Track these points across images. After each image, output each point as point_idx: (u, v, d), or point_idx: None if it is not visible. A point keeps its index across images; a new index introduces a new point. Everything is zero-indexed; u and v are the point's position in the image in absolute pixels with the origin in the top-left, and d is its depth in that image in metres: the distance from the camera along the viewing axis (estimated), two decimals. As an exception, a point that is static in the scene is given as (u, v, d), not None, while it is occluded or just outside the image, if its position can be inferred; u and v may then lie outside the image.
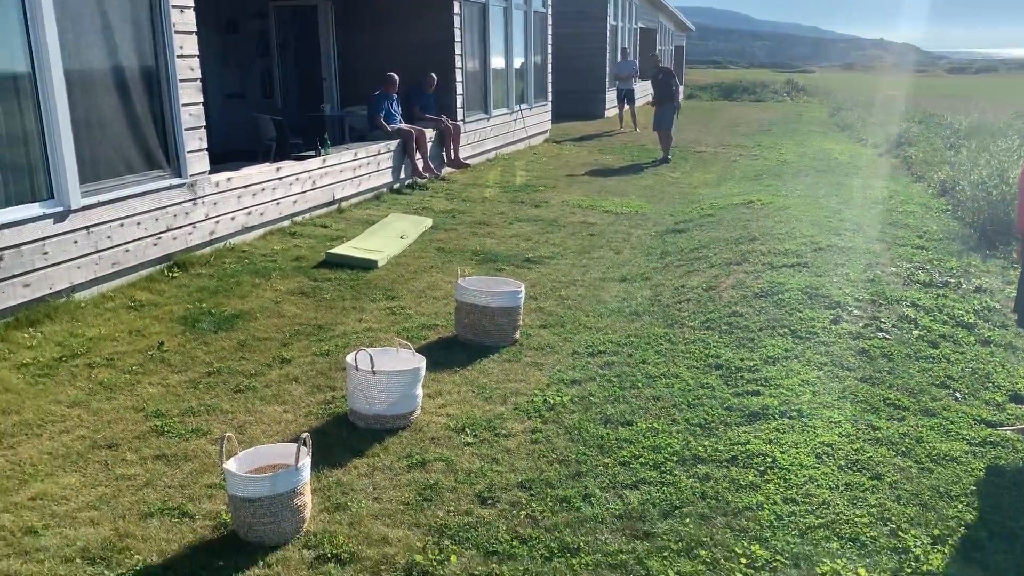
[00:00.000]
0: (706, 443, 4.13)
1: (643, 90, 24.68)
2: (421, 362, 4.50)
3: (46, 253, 5.65)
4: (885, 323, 5.59)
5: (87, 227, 5.97)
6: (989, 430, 4.26)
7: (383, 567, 3.16)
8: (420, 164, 11.64)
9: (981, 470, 3.88)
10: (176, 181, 6.86)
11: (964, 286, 6.42)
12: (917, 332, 5.47)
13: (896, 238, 8.00)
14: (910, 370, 4.96)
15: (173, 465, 3.90)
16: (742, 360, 5.13)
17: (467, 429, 4.34)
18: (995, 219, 8.06)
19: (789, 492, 3.67)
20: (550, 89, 18.68)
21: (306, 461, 3.41)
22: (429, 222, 9.13)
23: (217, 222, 7.42)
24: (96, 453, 3.99)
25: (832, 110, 29.17)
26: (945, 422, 4.35)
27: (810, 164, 14.24)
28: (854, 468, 3.89)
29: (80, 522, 3.41)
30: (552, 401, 4.67)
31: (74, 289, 5.93)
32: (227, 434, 3.41)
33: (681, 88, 15.20)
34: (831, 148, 16.97)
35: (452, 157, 12.76)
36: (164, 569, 3.10)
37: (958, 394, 4.70)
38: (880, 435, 4.20)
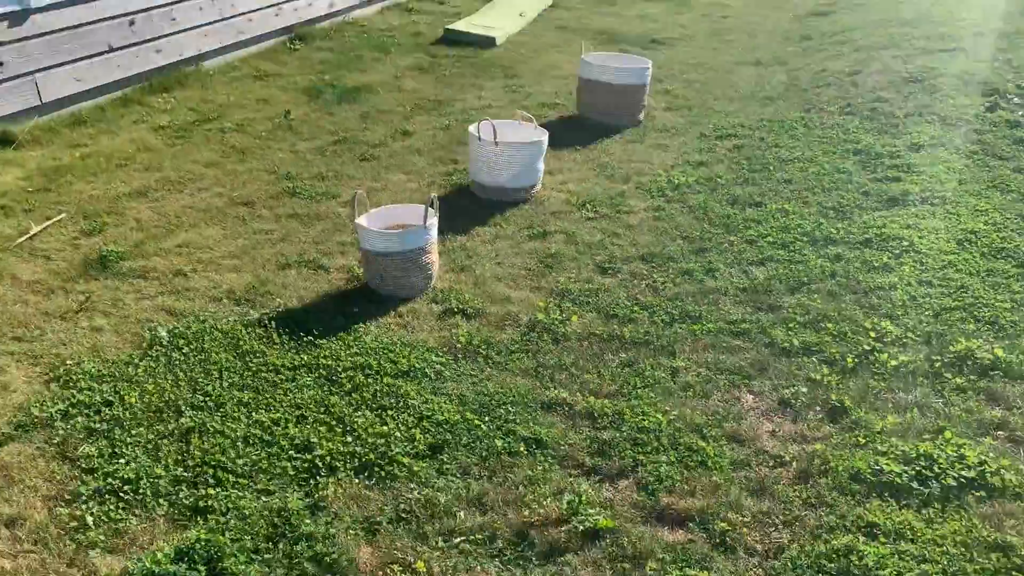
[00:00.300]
0: (839, 226, 3.97)
1: None
2: (544, 135, 4.42)
3: (174, 19, 5.69)
4: (1050, 112, 5.10)
5: (211, -6, 5.95)
6: None
7: (507, 322, 3.26)
8: (541, -60, 10.94)
9: None
10: (295, -52, 6.68)
11: None
12: (1087, 122, 4.98)
13: (1073, 23, 7.14)
14: (1074, 161, 4.56)
15: (306, 223, 4.04)
16: (883, 146, 4.82)
17: (588, 205, 4.30)
18: None
19: (925, 275, 3.52)
20: None
21: (434, 221, 3.47)
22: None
23: (336, -5, 7.27)
24: (234, 209, 4.17)
25: None
26: (1107, 216, 4.03)
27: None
28: (998, 255, 3.68)
29: (224, 268, 3.63)
30: (676, 181, 4.55)
31: (202, 57, 6.01)
32: (359, 191, 3.48)
33: None
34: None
35: (575, -67, 11.93)
36: (303, 311, 3.29)
37: (1126, 188, 4.31)
38: (1032, 225, 3.94)
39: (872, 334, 3.09)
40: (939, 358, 2.97)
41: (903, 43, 6.64)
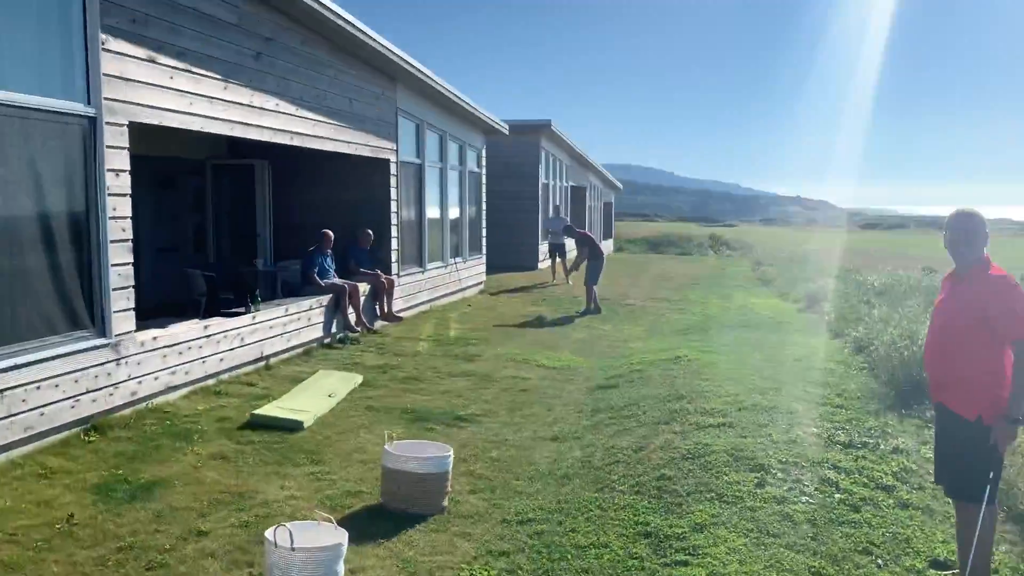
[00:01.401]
0: (635, 620, 4.05)
1: (574, 243, 25.58)
2: (343, 537, 4.37)
3: (-47, 419, 5.43)
4: (808, 486, 5.68)
5: (1, 390, 5.78)
6: (912, 600, 4.29)
7: None
8: (352, 318, 11.69)
9: (906, 644, 3.88)
10: (100, 341, 6.73)
11: (882, 447, 6.60)
12: (839, 496, 5.56)
13: (816, 397, 8.24)
14: (834, 535, 5.01)
15: (71, 657, 3.64)
16: (671, 527, 5.12)
17: (390, 607, 4.19)
18: (909, 378, 8.38)
19: (718, 673, 3.59)
20: (484, 243, 19.20)
21: (216, 653, 3.23)
22: (359, 379, 9.08)
23: (140, 382, 7.25)
24: (-14, 645, 3.71)
25: (754, 265, 30.54)
26: (869, 592, 4.37)
27: (734, 319, 14.75)
28: (782, 645, 3.84)
29: None
30: (479, 576, 4.56)
31: (-20, 456, 5.67)
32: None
33: (587, 250, 16.80)
34: (754, 303, 17.64)
35: (385, 311, 12.86)
36: None
37: (880, 561, 4.74)
38: (807, 607, 4.19)
39: None
40: None
41: (680, 417, 7.36)
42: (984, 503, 4.16)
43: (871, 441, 6.70)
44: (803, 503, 5.43)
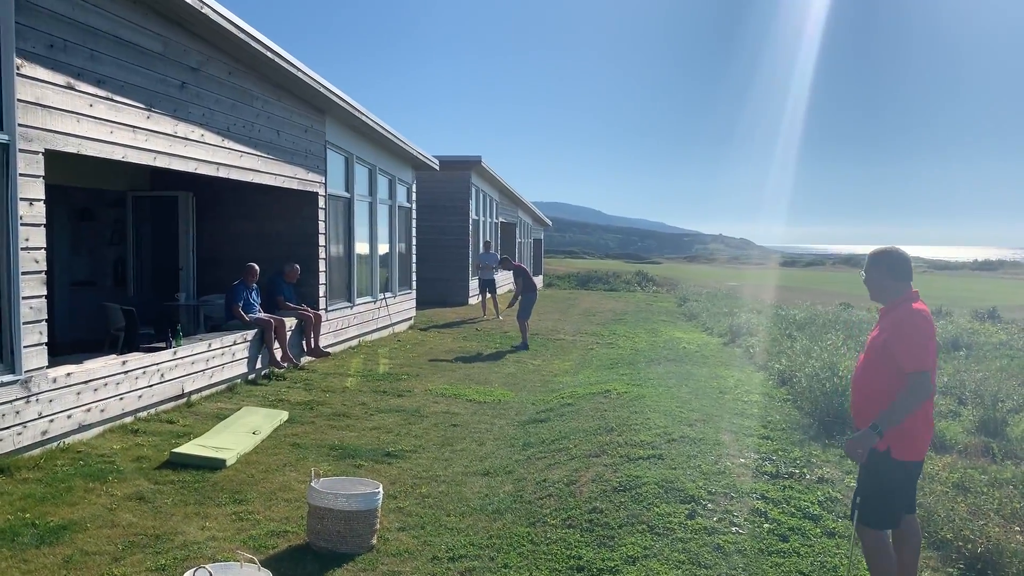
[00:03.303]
0: (568, 656, 3.99)
1: (504, 279, 25.69)
2: (267, 577, 4.22)
3: None
4: (737, 517, 5.73)
5: None
6: (840, 627, 4.34)
7: None
8: (278, 353, 11.43)
9: (836, 671, 3.91)
10: (8, 378, 6.39)
11: (808, 476, 6.71)
12: (768, 526, 5.62)
13: (743, 428, 8.37)
14: (763, 566, 5.05)
15: None
16: (603, 560, 5.09)
17: (316, 651, 4.03)
18: (831, 409, 8.59)
19: None
20: (415, 278, 19.09)
21: None
22: (284, 415, 8.84)
23: (51, 420, 6.91)
24: None
25: (679, 300, 31.10)
26: (799, 620, 4.40)
27: (661, 353, 14.93)
28: (715, 676, 3.83)
29: None
30: (409, 614, 4.43)
31: None
32: None
33: (522, 282, 16.83)
34: (680, 337, 17.91)
35: (312, 346, 12.62)
36: None
37: (809, 589, 4.79)
38: (739, 638, 4.19)
39: None
40: None
41: (610, 450, 7.36)
42: (883, 527, 4.26)
43: (797, 471, 6.81)
44: (733, 533, 5.47)
